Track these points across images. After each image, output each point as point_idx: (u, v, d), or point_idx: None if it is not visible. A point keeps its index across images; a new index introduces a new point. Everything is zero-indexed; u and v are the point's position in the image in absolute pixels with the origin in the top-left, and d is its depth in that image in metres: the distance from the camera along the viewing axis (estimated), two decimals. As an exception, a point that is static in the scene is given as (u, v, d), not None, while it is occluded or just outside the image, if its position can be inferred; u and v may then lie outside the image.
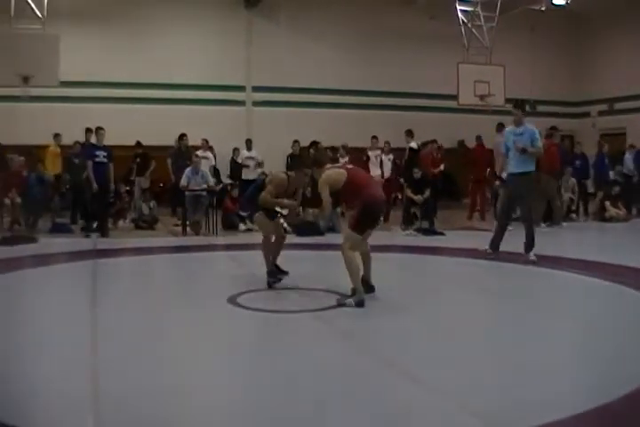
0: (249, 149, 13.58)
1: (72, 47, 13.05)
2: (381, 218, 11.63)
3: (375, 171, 12.16)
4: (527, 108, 8.57)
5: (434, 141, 12.93)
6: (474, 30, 14.97)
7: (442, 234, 10.51)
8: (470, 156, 13.50)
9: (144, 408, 3.17)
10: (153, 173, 13.05)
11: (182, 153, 12.33)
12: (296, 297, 5.84)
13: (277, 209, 6.26)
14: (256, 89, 16.48)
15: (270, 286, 6.04)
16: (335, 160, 12.42)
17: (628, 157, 14.19)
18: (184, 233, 10.57)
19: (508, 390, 3.42)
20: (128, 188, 12.58)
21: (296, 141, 13.55)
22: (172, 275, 7.85)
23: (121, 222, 11.76)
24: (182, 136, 12.58)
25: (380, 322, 4.88)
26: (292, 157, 13.44)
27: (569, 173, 12.70)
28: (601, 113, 18.72)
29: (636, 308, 5.44)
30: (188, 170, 10.95)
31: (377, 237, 10.20)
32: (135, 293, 6.32)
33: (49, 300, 5.70)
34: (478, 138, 13.44)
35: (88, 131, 11.47)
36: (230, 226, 11.24)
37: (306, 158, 6.63)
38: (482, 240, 8.29)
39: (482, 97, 14.62)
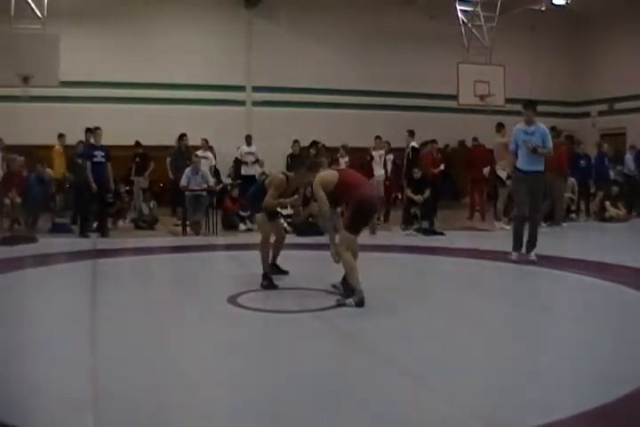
0: (248, 144, 13.55)
1: (72, 47, 13.06)
2: (379, 216, 11.79)
3: (379, 171, 12.16)
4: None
5: (434, 141, 12.94)
6: (474, 30, 14.97)
7: (442, 234, 10.51)
8: (469, 155, 13.54)
9: (144, 408, 3.17)
10: (153, 173, 13.05)
11: (182, 153, 12.34)
12: (296, 297, 5.84)
13: (278, 209, 6.29)
14: (256, 89, 16.49)
15: (264, 287, 6.04)
16: (335, 160, 12.47)
17: (629, 157, 14.19)
18: (184, 233, 10.57)
19: (508, 390, 3.42)
20: (128, 188, 12.59)
21: (296, 141, 13.56)
22: (172, 275, 7.84)
23: (121, 222, 11.75)
24: (182, 136, 12.59)
25: (380, 322, 4.88)
26: (291, 157, 13.43)
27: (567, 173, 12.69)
28: (601, 113, 18.73)
29: (636, 308, 5.43)
30: (187, 170, 10.95)
31: (377, 237, 10.31)
32: (135, 293, 6.32)
33: (49, 300, 5.70)
34: (475, 139, 13.79)
35: (88, 131, 11.48)
36: (230, 226, 11.24)
37: (305, 159, 6.69)
38: (482, 240, 8.30)
39: (482, 97, 14.63)
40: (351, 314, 5.07)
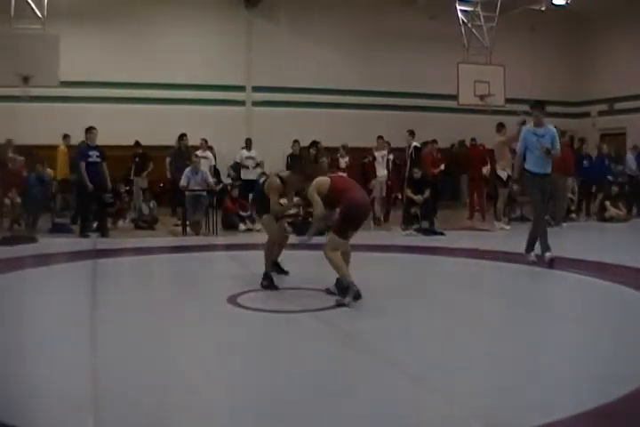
0: (248, 148, 13.53)
1: (72, 47, 13.04)
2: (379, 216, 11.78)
3: (382, 171, 12.15)
4: (528, 109, 8.40)
5: (434, 141, 12.95)
6: (474, 30, 14.96)
7: (442, 234, 10.51)
8: (467, 155, 13.56)
9: (144, 408, 3.17)
10: (153, 173, 13.05)
11: (182, 153, 12.33)
12: (296, 297, 5.84)
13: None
14: (256, 89, 16.47)
15: (264, 287, 6.04)
16: (335, 160, 12.48)
17: (631, 156, 14.18)
18: (184, 233, 10.56)
19: (508, 390, 3.42)
20: (127, 188, 12.59)
21: (296, 141, 13.55)
22: (172, 275, 7.84)
23: (121, 222, 11.75)
24: (182, 136, 12.58)
25: (380, 322, 4.88)
26: (291, 157, 13.42)
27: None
28: (601, 113, 18.72)
29: (636, 308, 5.44)
30: (187, 170, 10.95)
31: (377, 237, 10.30)
32: (135, 293, 6.33)
33: (49, 300, 5.70)
34: (473, 139, 14.00)
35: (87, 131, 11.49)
36: (230, 226, 11.24)
37: (306, 166, 6.82)
38: (482, 240, 8.29)
39: (482, 97, 14.62)
40: (351, 314, 5.07)
